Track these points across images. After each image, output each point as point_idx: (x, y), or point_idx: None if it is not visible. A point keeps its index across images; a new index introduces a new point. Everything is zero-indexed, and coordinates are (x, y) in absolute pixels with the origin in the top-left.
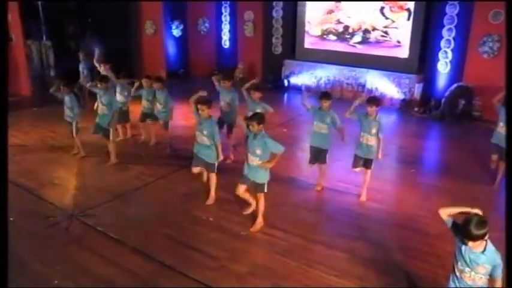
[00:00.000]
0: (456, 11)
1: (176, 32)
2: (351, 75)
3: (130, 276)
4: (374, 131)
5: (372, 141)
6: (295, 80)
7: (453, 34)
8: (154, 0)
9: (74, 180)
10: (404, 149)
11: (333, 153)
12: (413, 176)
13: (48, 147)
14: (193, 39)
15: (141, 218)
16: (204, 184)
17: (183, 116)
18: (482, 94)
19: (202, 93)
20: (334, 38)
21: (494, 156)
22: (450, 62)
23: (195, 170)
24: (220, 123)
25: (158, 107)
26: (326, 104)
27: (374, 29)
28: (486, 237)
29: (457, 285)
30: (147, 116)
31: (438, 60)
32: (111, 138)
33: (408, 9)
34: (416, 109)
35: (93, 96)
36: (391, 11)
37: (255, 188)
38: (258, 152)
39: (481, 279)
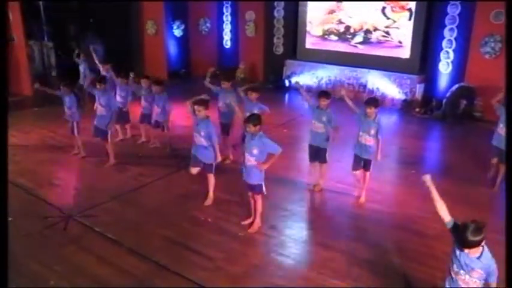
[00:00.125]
0: (458, 11)
1: (177, 32)
2: (352, 76)
3: (126, 276)
4: (372, 132)
5: (370, 141)
6: (297, 80)
7: (455, 34)
8: (155, 0)
9: (73, 181)
10: (405, 150)
11: (333, 153)
12: (413, 177)
13: (48, 147)
14: (194, 39)
15: (139, 218)
16: (203, 185)
17: (183, 116)
18: (483, 95)
19: (206, 98)
20: (336, 38)
21: (494, 160)
22: (452, 62)
23: (194, 170)
24: (221, 126)
25: (157, 110)
26: (324, 102)
27: (375, 29)
28: (483, 243)
29: (452, 286)
30: (147, 116)
31: (440, 60)
32: (109, 139)
33: (409, 9)
34: (417, 110)
35: (93, 97)
36: (393, 11)
37: (251, 190)
38: (255, 152)
39: (475, 283)
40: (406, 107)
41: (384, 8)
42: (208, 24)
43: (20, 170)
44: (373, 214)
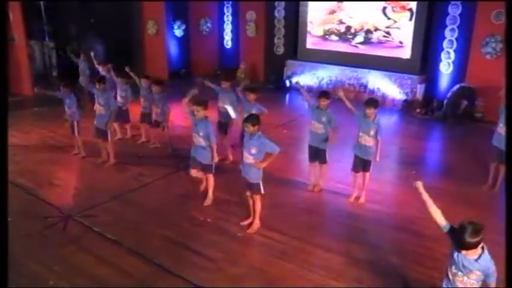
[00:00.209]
0: (459, 11)
1: (178, 32)
2: (353, 76)
3: (125, 276)
4: (372, 132)
5: (370, 142)
6: (297, 80)
7: (456, 35)
8: (156, 0)
9: (72, 181)
10: (406, 150)
11: (333, 154)
12: (413, 177)
13: (48, 147)
14: (195, 39)
15: (139, 218)
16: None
17: (182, 116)
18: (484, 95)
19: (194, 91)
20: (336, 38)
21: (493, 165)
22: (453, 62)
23: (194, 172)
24: (220, 125)
25: (156, 110)
26: (324, 103)
27: (376, 29)
28: (481, 245)
29: (449, 287)
30: (147, 116)
31: (440, 60)
32: (109, 139)
33: (410, 10)
34: (418, 110)
35: (93, 96)
36: (393, 11)
37: (250, 189)
38: (253, 151)
39: (473, 284)
40: (406, 108)
41: (384, 8)
42: (209, 24)
43: (20, 170)
44: (373, 215)
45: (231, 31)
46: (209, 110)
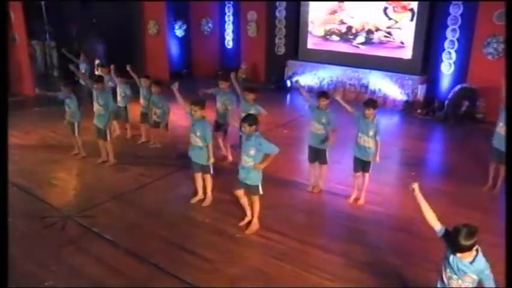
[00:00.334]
0: (460, 12)
1: (179, 32)
2: (354, 76)
3: (122, 277)
4: (371, 133)
5: (369, 143)
6: (297, 79)
7: (457, 35)
8: (157, 0)
9: (72, 181)
10: (406, 151)
11: (332, 154)
12: (413, 178)
13: (48, 147)
14: (196, 40)
15: (138, 219)
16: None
17: (183, 117)
18: (486, 96)
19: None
20: (337, 38)
21: (493, 165)
22: (454, 63)
23: (197, 175)
24: (217, 125)
25: (157, 111)
26: (324, 103)
27: (377, 29)
28: (475, 247)
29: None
30: (147, 116)
31: (442, 61)
32: (108, 138)
33: (411, 10)
34: (419, 111)
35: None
36: (395, 11)
37: (248, 190)
38: (252, 152)
39: (468, 286)
40: (407, 108)
41: (385, 9)
42: (210, 25)
43: (19, 170)
44: (372, 216)
45: (232, 31)
46: (206, 110)
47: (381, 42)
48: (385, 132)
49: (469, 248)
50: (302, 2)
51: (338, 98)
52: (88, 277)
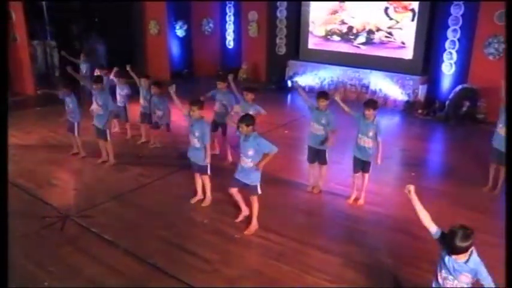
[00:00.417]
0: (461, 12)
1: (180, 32)
2: (355, 76)
3: (121, 278)
4: (371, 134)
5: (369, 143)
6: (299, 80)
7: (458, 35)
8: (158, 0)
9: (72, 181)
10: (407, 152)
11: (332, 155)
12: (413, 179)
13: (48, 147)
14: (197, 40)
15: (137, 219)
16: (201, 186)
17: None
18: (487, 96)
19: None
20: (338, 38)
21: (493, 166)
22: (455, 63)
23: (197, 175)
24: (214, 125)
25: (157, 112)
26: (323, 103)
27: (378, 29)
28: (471, 249)
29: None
30: (147, 116)
31: (443, 61)
32: (108, 138)
33: (412, 10)
34: (420, 111)
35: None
36: (395, 11)
37: (247, 190)
38: (251, 153)
39: (464, 286)
40: (408, 108)
41: (386, 9)
42: (211, 25)
43: (19, 170)
44: (372, 216)
45: (233, 31)
46: (205, 111)
47: (381, 43)
48: (385, 133)
49: (465, 250)
50: (303, 2)
51: (337, 98)
52: (87, 277)
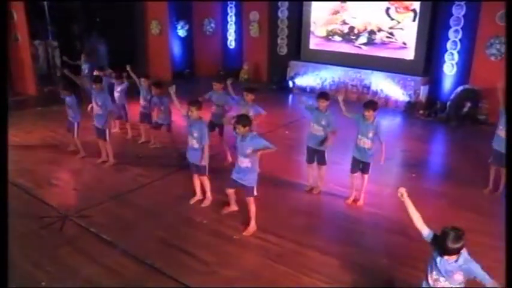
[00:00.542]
0: (463, 12)
1: (181, 32)
2: (356, 77)
3: (118, 278)
4: (371, 134)
5: (369, 144)
6: (300, 81)
7: (460, 36)
8: (159, 0)
9: (71, 181)
10: (408, 152)
11: (332, 156)
12: (413, 180)
13: (49, 147)
14: (198, 40)
15: (135, 219)
16: (200, 186)
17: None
18: (488, 97)
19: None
20: (340, 39)
21: (494, 168)
22: (456, 64)
23: (195, 176)
24: (211, 126)
25: (158, 113)
26: (323, 104)
27: (379, 30)
28: (462, 251)
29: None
30: (146, 116)
31: (444, 62)
32: (107, 138)
33: (414, 10)
34: (421, 112)
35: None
36: (397, 11)
37: (244, 191)
38: (248, 151)
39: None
40: (409, 109)
41: (388, 9)
42: (212, 25)
43: (19, 170)
44: (371, 218)
45: (235, 31)
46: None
47: (383, 43)
48: (386, 133)
49: (456, 251)
50: (304, 2)
51: (340, 99)
52: (84, 277)
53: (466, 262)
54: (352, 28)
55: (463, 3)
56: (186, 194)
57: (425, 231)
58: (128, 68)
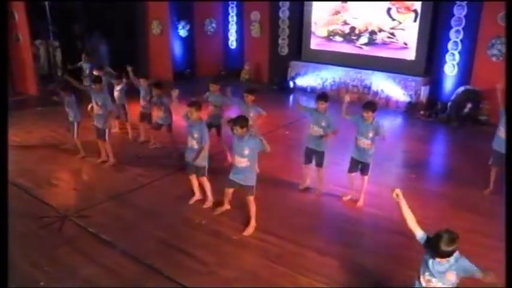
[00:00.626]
0: (464, 13)
1: (183, 32)
2: (357, 77)
3: (117, 278)
4: (371, 135)
5: (368, 145)
6: (301, 81)
7: (461, 36)
8: (161, 0)
9: (71, 181)
10: (408, 153)
11: (331, 156)
12: (413, 181)
13: (49, 146)
14: (199, 40)
15: (135, 220)
16: (200, 186)
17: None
18: (489, 98)
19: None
20: (341, 39)
21: (494, 169)
22: (457, 64)
23: (192, 177)
24: (208, 126)
25: (159, 113)
26: (322, 106)
27: (380, 30)
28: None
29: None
30: (146, 116)
31: (445, 62)
32: (106, 138)
33: (415, 11)
34: (422, 112)
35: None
36: (398, 12)
37: (243, 191)
38: (246, 152)
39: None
40: (410, 110)
41: (389, 9)
42: (213, 25)
43: (19, 170)
44: (371, 218)
45: (236, 31)
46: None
47: (384, 43)
48: (387, 134)
49: (449, 254)
50: (305, 2)
51: (347, 100)
52: (83, 278)
53: (456, 260)
54: (353, 28)
55: (464, 3)
56: (186, 194)
57: (419, 233)
58: (129, 69)
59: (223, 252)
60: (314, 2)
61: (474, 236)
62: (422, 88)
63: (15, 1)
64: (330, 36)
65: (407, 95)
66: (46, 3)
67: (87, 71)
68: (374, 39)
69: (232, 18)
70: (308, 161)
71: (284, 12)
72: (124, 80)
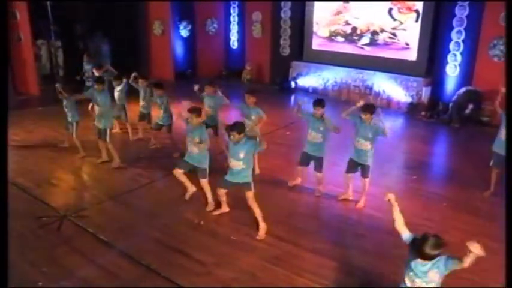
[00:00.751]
0: (466, 13)
1: (184, 32)
2: (358, 78)
3: (114, 278)
4: (370, 136)
5: (367, 146)
6: (303, 81)
7: (462, 36)
8: (162, 0)
9: (71, 181)
10: (409, 154)
11: (331, 157)
12: (414, 182)
13: (49, 146)
14: (201, 40)
15: (133, 220)
16: (199, 186)
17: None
18: (491, 99)
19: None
20: (342, 39)
21: (495, 171)
22: (459, 65)
23: (178, 172)
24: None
25: (160, 114)
26: (319, 111)
27: (382, 30)
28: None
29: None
30: (146, 116)
31: (447, 63)
32: (107, 138)
33: (417, 11)
34: (423, 113)
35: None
36: (400, 12)
37: (241, 189)
38: (242, 155)
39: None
40: (412, 110)
41: (390, 9)
42: (215, 25)
43: (19, 170)
44: (370, 220)
45: (237, 32)
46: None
47: (385, 44)
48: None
49: (432, 258)
50: (307, 2)
51: (359, 104)
52: (80, 278)
53: (445, 262)
54: (354, 29)
55: (466, 3)
56: (185, 194)
57: (406, 234)
58: (133, 75)
59: (221, 253)
60: (316, 2)
61: (474, 238)
62: (424, 89)
63: (17, 1)
64: (331, 37)
65: (408, 96)
66: (48, 3)
67: (89, 73)
68: (376, 40)
69: (234, 19)
70: (303, 163)
71: (286, 12)
72: (124, 80)
